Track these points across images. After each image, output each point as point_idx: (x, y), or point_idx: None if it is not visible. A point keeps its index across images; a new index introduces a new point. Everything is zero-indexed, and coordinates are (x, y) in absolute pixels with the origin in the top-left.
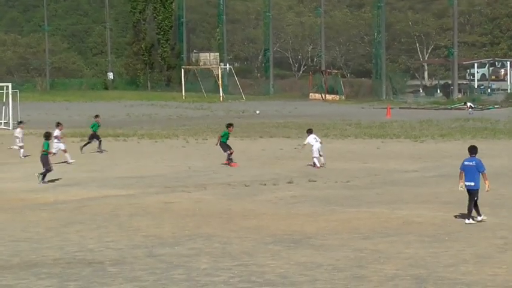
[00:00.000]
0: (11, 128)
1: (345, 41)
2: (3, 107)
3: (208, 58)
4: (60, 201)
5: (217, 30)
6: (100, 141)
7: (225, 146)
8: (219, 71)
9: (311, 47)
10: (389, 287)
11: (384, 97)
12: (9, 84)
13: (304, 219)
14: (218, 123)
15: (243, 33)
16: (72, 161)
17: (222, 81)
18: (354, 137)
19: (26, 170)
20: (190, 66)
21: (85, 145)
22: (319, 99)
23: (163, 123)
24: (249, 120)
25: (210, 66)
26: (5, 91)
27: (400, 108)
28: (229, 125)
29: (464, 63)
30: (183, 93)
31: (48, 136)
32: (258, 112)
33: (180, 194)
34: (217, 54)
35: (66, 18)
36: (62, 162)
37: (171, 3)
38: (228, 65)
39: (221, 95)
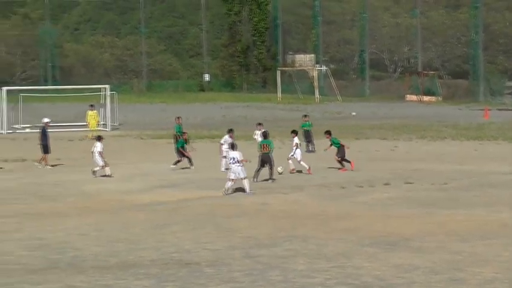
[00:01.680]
0: (108, 130)
1: (441, 42)
2: (101, 109)
3: (304, 59)
4: (156, 203)
5: (313, 31)
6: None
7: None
8: (315, 73)
9: (407, 48)
10: None
11: (482, 98)
12: (107, 86)
13: (400, 221)
14: (314, 124)
15: (339, 34)
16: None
17: (317, 83)
18: (450, 138)
19: (123, 171)
20: (286, 68)
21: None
22: (415, 101)
23: None
24: (345, 121)
25: (306, 68)
26: (102, 93)
27: (498, 109)
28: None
29: None
30: (279, 95)
31: (266, 135)
32: (353, 114)
33: (277, 195)
34: (313, 55)
35: (162, 20)
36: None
37: (267, 4)
38: (323, 66)
39: (316, 96)
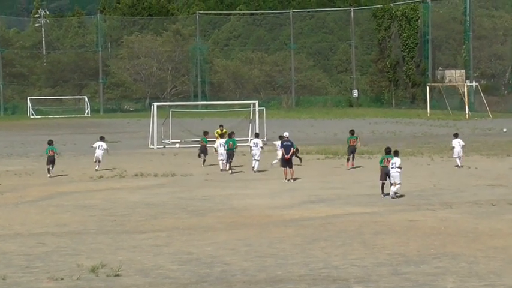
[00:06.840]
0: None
1: None
2: (249, 124)
3: (454, 75)
4: (305, 218)
5: (464, 47)
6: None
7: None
8: (465, 88)
9: None
10: None
11: None
12: (256, 102)
13: None
14: (464, 141)
15: (490, 49)
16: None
17: (468, 99)
18: None
19: (271, 186)
20: (436, 84)
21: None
22: None
23: (408, 140)
24: (496, 138)
25: (456, 84)
26: (251, 108)
27: None
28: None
29: None
30: (428, 111)
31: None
32: (505, 130)
33: (425, 212)
34: (463, 71)
35: (311, 36)
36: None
37: (417, 20)
38: (474, 82)
39: (467, 112)
